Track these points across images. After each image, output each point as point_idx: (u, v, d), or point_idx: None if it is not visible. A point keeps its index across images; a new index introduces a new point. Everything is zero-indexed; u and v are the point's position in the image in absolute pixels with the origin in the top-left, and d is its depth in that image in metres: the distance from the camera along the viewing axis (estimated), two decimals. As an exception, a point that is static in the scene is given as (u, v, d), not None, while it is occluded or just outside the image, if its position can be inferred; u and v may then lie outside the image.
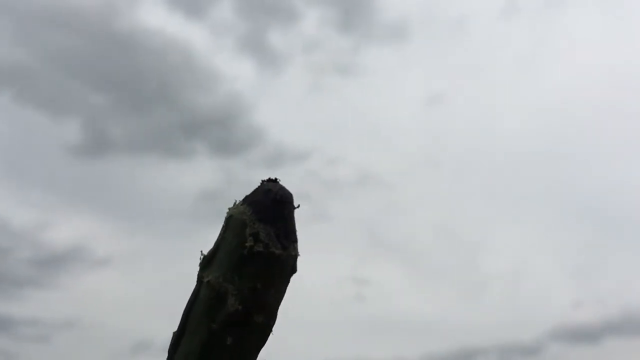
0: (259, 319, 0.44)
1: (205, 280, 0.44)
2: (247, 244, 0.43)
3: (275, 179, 0.45)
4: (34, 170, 8.02)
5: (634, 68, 7.80)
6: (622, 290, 7.04)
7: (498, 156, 8.27)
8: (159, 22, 8.23)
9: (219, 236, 0.45)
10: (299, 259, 0.46)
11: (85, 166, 8.07)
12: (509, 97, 8.64)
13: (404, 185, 8.30)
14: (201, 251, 0.46)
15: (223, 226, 0.45)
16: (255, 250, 0.43)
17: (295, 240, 0.45)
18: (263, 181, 0.45)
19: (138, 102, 8.52)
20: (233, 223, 0.44)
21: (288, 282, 0.46)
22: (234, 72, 8.51)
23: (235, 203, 0.45)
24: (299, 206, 0.45)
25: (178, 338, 0.46)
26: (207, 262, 0.45)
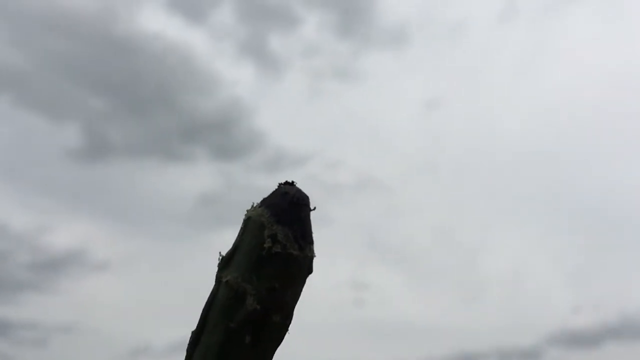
0: (276, 318, 0.45)
1: (224, 280, 0.45)
2: (266, 245, 0.44)
3: (292, 182, 0.47)
4: (33, 174, 8.03)
5: (633, 69, 7.83)
6: (621, 294, 7.06)
7: (497, 159, 8.29)
8: (158, 26, 8.25)
9: (237, 237, 0.47)
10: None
11: (84, 170, 8.08)
12: (507, 100, 8.67)
13: (404, 189, 8.32)
14: (219, 252, 0.47)
15: (241, 228, 0.46)
16: (274, 251, 0.44)
17: (311, 242, 0.46)
18: (280, 184, 0.47)
19: (137, 106, 8.54)
20: (251, 225, 0.46)
21: (304, 282, 0.47)
22: (234, 76, 8.54)
23: (252, 205, 0.46)
24: (314, 208, 0.47)
25: (196, 337, 0.47)
26: (225, 263, 0.46)
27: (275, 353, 0.48)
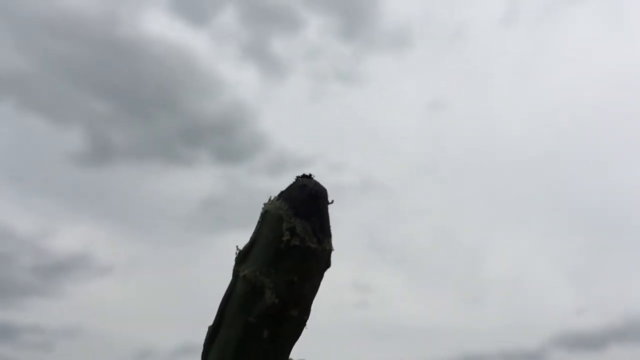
0: (294, 312, 0.45)
1: (242, 274, 0.45)
2: (284, 238, 0.44)
3: (310, 174, 0.46)
4: (37, 177, 8.03)
5: (634, 70, 7.82)
6: (624, 295, 7.03)
7: (499, 161, 8.28)
8: (161, 29, 8.26)
9: (254, 231, 0.46)
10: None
11: (88, 173, 8.08)
12: (509, 102, 8.67)
13: (406, 191, 8.31)
14: (237, 246, 0.46)
15: (259, 221, 0.46)
16: (292, 245, 0.44)
17: (329, 235, 0.46)
18: (298, 177, 0.46)
19: (141, 109, 8.54)
20: (269, 218, 0.45)
21: (322, 276, 0.46)
22: (237, 79, 8.54)
23: (270, 198, 0.46)
24: (332, 202, 0.46)
25: (214, 332, 0.46)
26: (242, 257, 0.46)
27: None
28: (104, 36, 8.14)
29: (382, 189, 8.19)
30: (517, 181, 8.23)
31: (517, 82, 8.79)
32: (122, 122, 8.44)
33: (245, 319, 0.45)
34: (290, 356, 0.48)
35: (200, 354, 0.48)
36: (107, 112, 8.36)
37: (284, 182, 0.47)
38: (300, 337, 0.47)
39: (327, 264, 0.46)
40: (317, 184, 0.46)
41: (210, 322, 0.47)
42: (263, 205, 0.46)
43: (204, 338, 0.47)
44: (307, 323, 0.47)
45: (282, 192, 0.46)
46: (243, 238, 0.47)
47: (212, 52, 8.47)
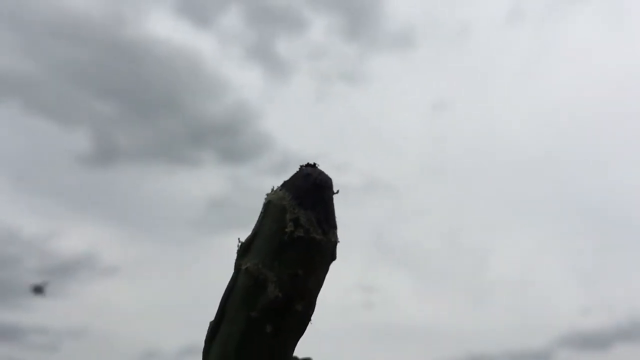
0: (299, 307, 0.43)
1: (244, 267, 0.43)
2: (288, 230, 0.42)
3: (314, 163, 0.44)
4: (42, 180, 8.03)
5: (635, 71, 7.78)
6: (631, 295, 6.99)
7: (503, 161, 8.25)
8: (166, 31, 8.27)
9: (256, 223, 0.44)
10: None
11: (93, 175, 8.08)
12: (513, 102, 8.64)
13: (410, 191, 8.29)
14: (238, 238, 0.45)
15: (261, 212, 0.44)
16: (296, 236, 0.42)
17: (335, 226, 0.44)
18: (301, 166, 0.44)
19: (146, 110, 8.54)
20: (272, 209, 0.43)
21: (327, 269, 0.45)
22: (242, 80, 8.53)
23: (273, 189, 0.44)
24: (338, 191, 0.44)
25: (215, 327, 0.45)
26: (244, 250, 0.44)
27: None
28: (109, 38, 8.15)
29: (386, 189, 8.17)
30: (521, 181, 8.20)
31: (520, 82, 8.76)
32: (127, 123, 8.44)
33: (247, 314, 0.43)
34: (296, 355, 0.46)
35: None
36: (112, 113, 8.37)
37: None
38: (305, 336, 0.45)
39: (333, 256, 0.44)
40: (321, 172, 0.44)
41: (214, 319, 0.45)
42: (266, 196, 0.44)
43: (205, 334, 0.46)
44: (312, 318, 0.45)
45: (285, 182, 0.44)
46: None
47: (217, 53, 8.47)
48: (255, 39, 8.69)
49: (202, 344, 0.46)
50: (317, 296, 0.45)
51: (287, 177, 0.44)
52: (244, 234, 0.45)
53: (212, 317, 0.46)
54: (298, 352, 0.46)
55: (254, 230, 0.45)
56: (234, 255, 0.45)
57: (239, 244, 0.45)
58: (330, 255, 0.44)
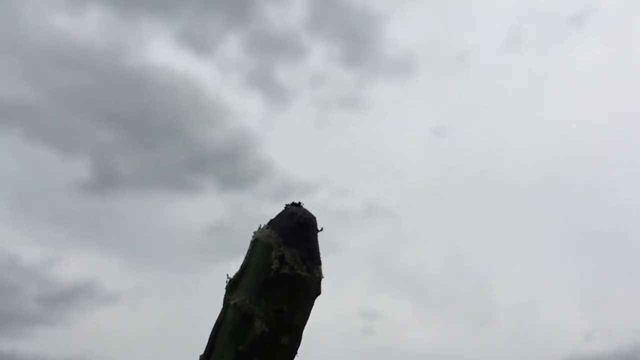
0: (285, 340, 0.45)
1: (232, 302, 0.45)
2: (274, 267, 0.44)
3: (299, 202, 0.47)
4: (43, 207, 8.05)
5: (638, 95, 7.83)
6: (634, 320, 6.96)
7: (505, 186, 8.26)
8: (167, 58, 8.35)
9: (244, 259, 0.46)
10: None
11: (93, 202, 8.10)
12: (513, 128, 8.68)
13: (412, 216, 8.30)
14: (227, 274, 0.47)
15: (249, 249, 0.46)
16: (282, 273, 0.44)
17: (319, 263, 0.46)
18: (287, 205, 0.46)
19: (146, 138, 8.59)
20: (259, 246, 0.45)
21: (313, 304, 0.46)
22: (242, 107, 8.60)
23: (260, 227, 0.46)
24: (322, 229, 0.46)
25: (205, 361, 0.46)
26: (233, 285, 0.46)
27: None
28: (110, 66, 8.23)
29: (387, 214, 8.18)
30: (522, 205, 8.20)
31: (520, 107, 8.82)
32: (127, 151, 8.49)
33: (236, 348, 0.45)
34: None
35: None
36: (113, 141, 8.42)
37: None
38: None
39: (318, 292, 0.46)
40: (305, 211, 0.46)
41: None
42: (253, 234, 0.46)
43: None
44: (299, 352, 0.46)
45: (271, 220, 0.46)
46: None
47: (217, 81, 8.55)
48: (255, 66, 8.79)
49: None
50: (303, 330, 0.46)
51: (287, 202, 0.46)
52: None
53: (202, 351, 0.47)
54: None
55: (242, 266, 0.46)
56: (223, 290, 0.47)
57: (228, 279, 0.47)
58: (314, 290, 0.46)
